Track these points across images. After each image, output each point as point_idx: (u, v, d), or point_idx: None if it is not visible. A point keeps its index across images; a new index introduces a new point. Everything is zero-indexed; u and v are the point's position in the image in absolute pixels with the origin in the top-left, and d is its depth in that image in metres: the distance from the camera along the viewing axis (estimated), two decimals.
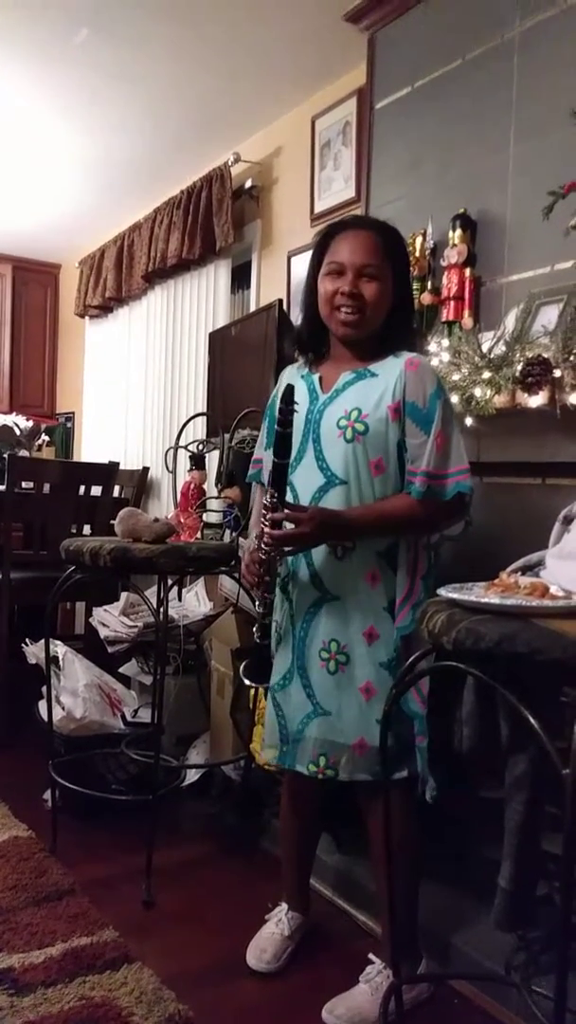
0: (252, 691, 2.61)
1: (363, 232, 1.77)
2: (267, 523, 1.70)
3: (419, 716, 1.73)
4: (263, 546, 1.73)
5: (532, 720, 1.22)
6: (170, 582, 2.59)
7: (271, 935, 1.99)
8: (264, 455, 1.99)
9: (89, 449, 5.45)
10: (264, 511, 1.71)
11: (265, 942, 1.98)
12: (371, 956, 1.87)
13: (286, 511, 1.68)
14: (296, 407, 1.71)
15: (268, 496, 1.70)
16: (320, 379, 1.83)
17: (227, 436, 2.90)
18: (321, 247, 1.81)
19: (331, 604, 1.77)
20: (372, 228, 1.79)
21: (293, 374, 1.92)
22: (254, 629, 1.87)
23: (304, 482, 1.78)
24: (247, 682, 1.93)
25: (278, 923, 2.01)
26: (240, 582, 2.53)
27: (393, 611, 1.74)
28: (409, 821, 1.80)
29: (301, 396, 1.84)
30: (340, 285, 1.73)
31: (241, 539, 2.67)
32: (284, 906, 2.04)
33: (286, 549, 1.73)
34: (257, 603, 1.85)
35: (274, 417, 1.90)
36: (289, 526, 1.67)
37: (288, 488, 1.76)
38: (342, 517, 1.70)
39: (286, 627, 1.86)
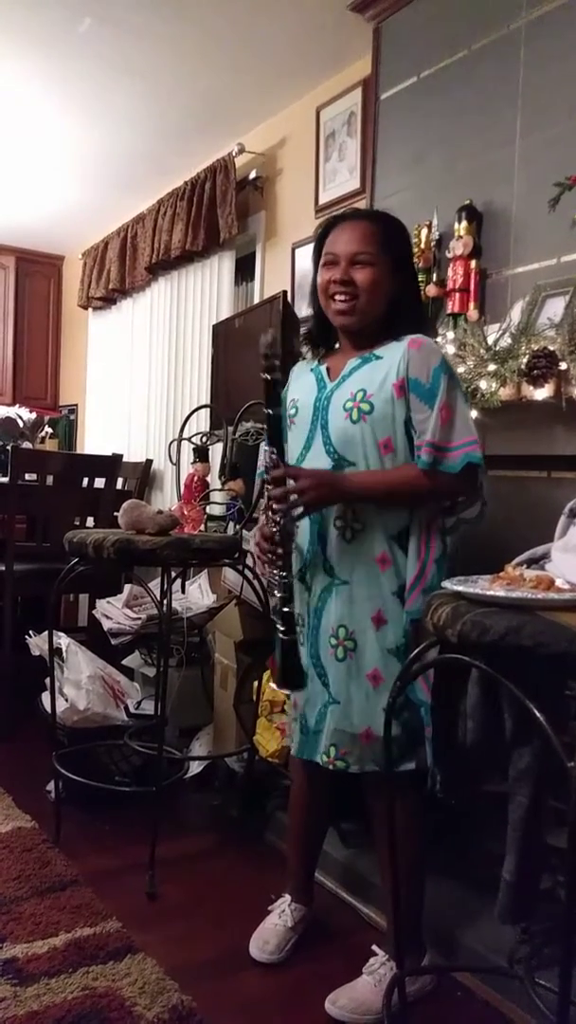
0: (256, 683, 2.61)
1: (357, 222, 1.78)
2: (269, 484, 1.68)
3: (426, 704, 1.72)
4: (271, 516, 1.70)
5: (537, 713, 1.21)
6: (173, 574, 2.59)
7: (274, 926, 2.00)
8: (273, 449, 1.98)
9: (92, 441, 5.45)
10: (265, 471, 1.69)
11: (268, 933, 1.98)
12: (375, 948, 1.87)
13: (285, 468, 1.68)
14: (276, 350, 1.67)
15: (268, 456, 1.68)
16: (327, 369, 1.84)
17: (231, 428, 2.90)
18: (320, 242, 1.82)
19: (340, 588, 1.76)
20: (367, 218, 1.81)
21: (303, 368, 1.93)
22: (277, 624, 1.76)
23: (314, 468, 1.78)
24: (279, 690, 1.82)
25: (281, 914, 2.02)
26: (243, 573, 2.53)
27: (403, 595, 1.73)
28: (417, 814, 1.80)
29: (308, 386, 1.84)
30: (334, 274, 1.75)
31: (245, 531, 2.67)
32: (287, 897, 2.04)
33: (294, 513, 1.70)
34: (276, 589, 1.76)
35: (284, 411, 1.90)
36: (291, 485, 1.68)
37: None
38: (342, 474, 1.71)
39: (304, 616, 1.84)
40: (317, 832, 2.06)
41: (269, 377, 1.66)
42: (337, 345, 1.89)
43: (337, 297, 1.75)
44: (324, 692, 1.80)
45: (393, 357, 1.72)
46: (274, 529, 1.71)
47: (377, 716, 1.72)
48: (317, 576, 1.80)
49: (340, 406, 1.75)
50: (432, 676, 1.72)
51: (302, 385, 1.87)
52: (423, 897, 1.86)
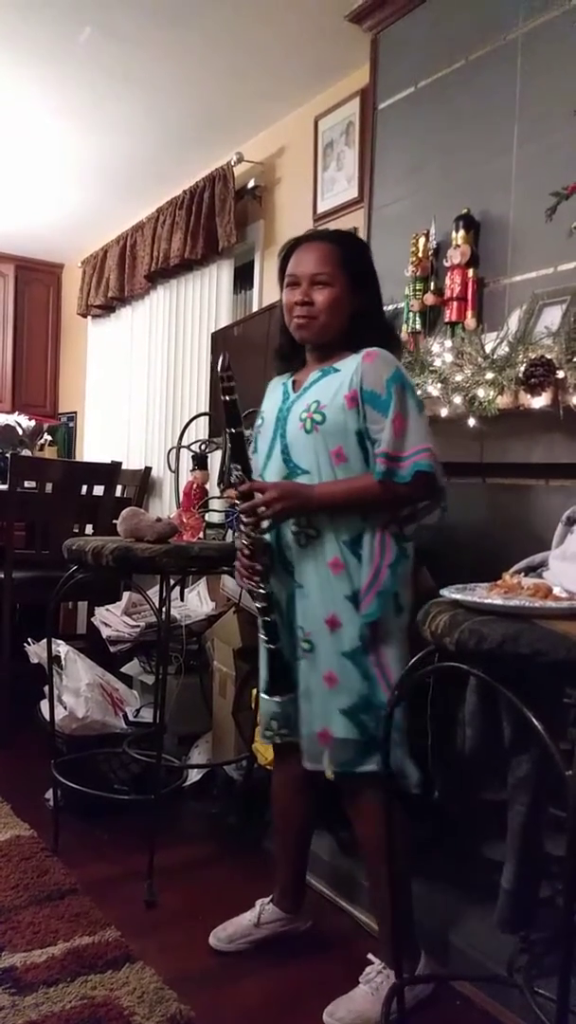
0: (254, 690, 2.60)
1: (315, 243, 1.84)
2: (238, 500, 1.76)
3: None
4: (242, 529, 1.79)
5: (535, 721, 1.22)
6: (172, 582, 2.59)
7: (239, 918, 2.04)
8: (252, 459, 2.02)
9: (91, 449, 5.45)
10: (232, 489, 1.78)
11: (229, 923, 2.04)
12: (370, 956, 1.87)
13: (251, 483, 1.76)
14: (231, 372, 1.78)
15: (234, 473, 1.76)
16: (293, 382, 1.91)
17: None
18: (283, 264, 1.88)
19: (299, 592, 1.82)
20: (325, 239, 1.87)
21: (276, 383, 1.99)
22: (261, 635, 1.84)
23: (272, 476, 1.85)
24: (269, 699, 1.88)
25: (251, 910, 2.05)
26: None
27: (356, 600, 1.76)
28: (385, 816, 1.76)
29: (276, 399, 1.92)
30: (296, 295, 1.82)
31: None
32: (268, 898, 2.07)
33: (263, 525, 1.77)
34: (256, 600, 1.84)
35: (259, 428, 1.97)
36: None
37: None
38: (306, 485, 1.77)
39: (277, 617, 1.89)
40: (300, 834, 2.05)
41: (228, 398, 1.76)
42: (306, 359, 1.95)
43: (297, 316, 1.82)
44: (295, 686, 1.85)
45: (348, 370, 1.78)
46: (245, 542, 1.79)
47: (333, 716, 1.76)
48: (281, 580, 1.86)
49: (297, 416, 1.81)
50: (393, 677, 1.75)
51: (271, 398, 1.94)
52: (410, 897, 1.85)
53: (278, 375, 2.01)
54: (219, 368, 1.76)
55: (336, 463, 1.75)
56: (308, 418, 1.77)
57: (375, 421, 1.72)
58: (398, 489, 1.71)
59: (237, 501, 1.77)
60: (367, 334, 1.82)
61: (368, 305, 1.85)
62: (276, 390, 1.94)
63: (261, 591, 1.80)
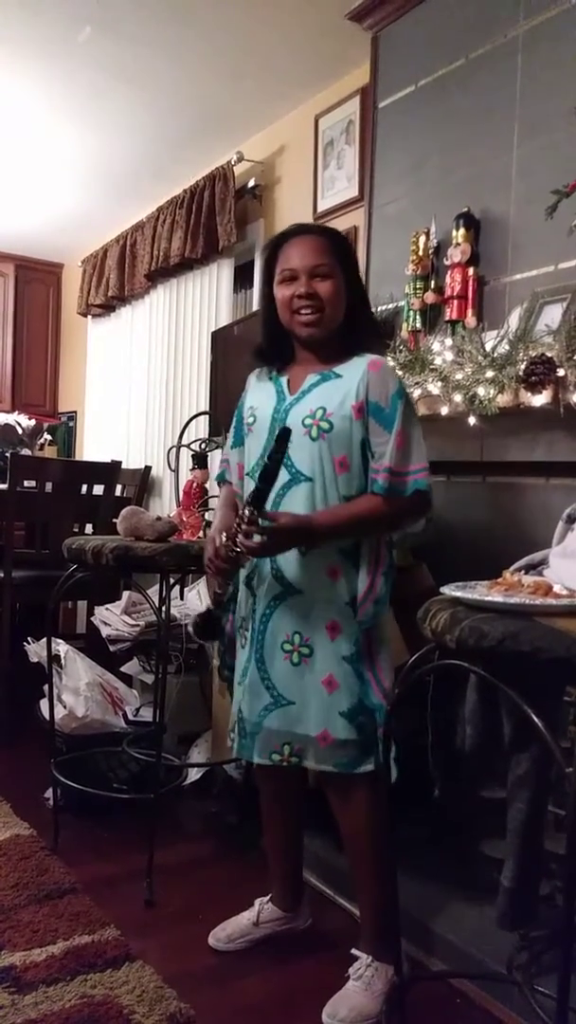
0: None
1: (308, 236, 1.82)
2: (243, 533, 1.68)
3: (380, 708, 1.76)
4: (234, 550, 1.72)
5: (535, 719, 1.21)
6: (172, 581, 2.59)
7: (238, 917, 2.05)
8: (231, 454, 2.01)
9: (91, 448, 5.45)
10: (240, 521, 1.68)
11: (228, 922, 2.05)
12: (355, 952, 1.87)
13: (261, 533, 1.67)
14: (288, 448, 1.68)
15: (247, 510, 1.67)
16: (288, 381, 1.87)
17: None
18: (271, 260, 1.85)
19: (294, 598, 1.79)
20: (315, 232, 1.85)
21: (262, 376, 1.94)
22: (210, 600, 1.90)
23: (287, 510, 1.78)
24: (197, 638, 2.01)
25: (250, 909, 2.06)
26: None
27: (355, 606, 1.76)
28: (378, 813, 1.81)
29: (267, 396, 1.87)
30: (296, 289, 1.78)
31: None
32: (267, 897, 2.07)
33: (252, 557, 1.77)
34: (213, 597, 1.90)
35: (242, 418, 1.95)
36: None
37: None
38: (313, 520, 1.71)
39: (249, 621, 1.87)
40: (290, 833, 2.06)
41: (272, 464, 1.65)
42: (293, 356, 1.89)
43: (303, 311, 1.78)
44: (266, 695, 1.81)
45: (352, 377, 1.76)
46: (231, 555, 1.74)
47: (334, 719, 1.76)
48: (267, 585, 1.81)
49: (299, 421, 1.77)
50: (385, 681, 1.77)
51: (261, 394, 1.90)
52: (387, 891, 1.84)
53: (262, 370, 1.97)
54: (276, 439, 1.65)
55: (339, 472, 1.75)
56: (314, 425, 1.74)
57: (377, 434, 1.73)
58: (402, 503, 1.73)
59: (240, 530, 1.69)
60: (364, 332, 1.83)
61: (359, 299, 1.84)
62: (265, 387, 1.90)
63: (227, 584, 1.88)
